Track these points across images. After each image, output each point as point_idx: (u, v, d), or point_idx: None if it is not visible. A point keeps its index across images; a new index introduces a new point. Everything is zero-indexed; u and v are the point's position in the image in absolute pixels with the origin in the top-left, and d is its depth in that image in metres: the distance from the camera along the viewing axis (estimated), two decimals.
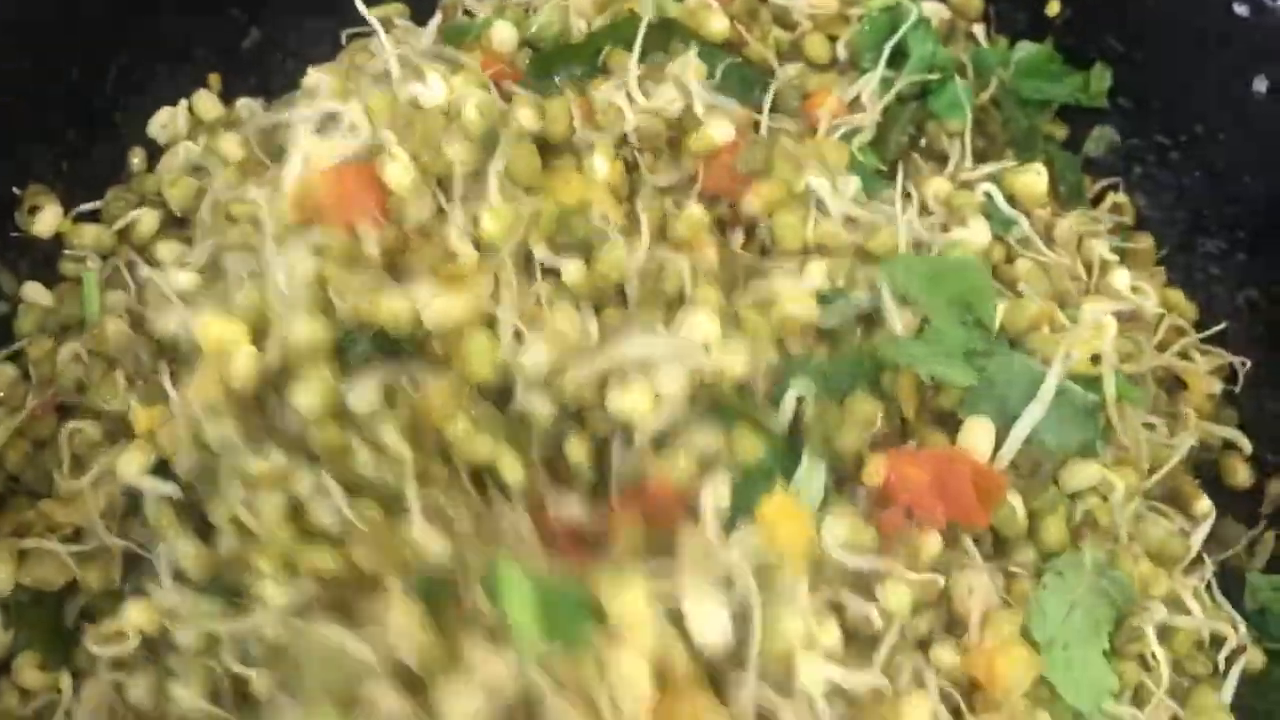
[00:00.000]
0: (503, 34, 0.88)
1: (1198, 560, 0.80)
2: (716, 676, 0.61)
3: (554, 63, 0.87)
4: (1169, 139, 0.93)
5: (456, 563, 0.62)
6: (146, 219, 0.88)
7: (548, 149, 0.77)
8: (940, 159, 0.91)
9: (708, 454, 0.66)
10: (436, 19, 0.95)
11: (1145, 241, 0.94)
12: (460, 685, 0.57)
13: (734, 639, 0.60)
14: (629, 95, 0.80)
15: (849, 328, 0.75)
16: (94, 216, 0.89)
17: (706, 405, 0.67)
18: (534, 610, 0.57)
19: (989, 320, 0.75)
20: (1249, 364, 0.88)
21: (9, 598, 0.75)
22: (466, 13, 0.97)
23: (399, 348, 0.67)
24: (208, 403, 0.65)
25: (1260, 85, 0.85)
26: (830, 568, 0.66)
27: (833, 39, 0.94)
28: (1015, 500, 0.70)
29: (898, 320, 0.74)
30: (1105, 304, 0.81)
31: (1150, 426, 0.82)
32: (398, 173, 0.71)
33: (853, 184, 0.81)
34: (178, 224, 0.89)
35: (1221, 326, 0.90)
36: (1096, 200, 0.97)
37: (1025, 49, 0.98)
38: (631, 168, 0.80)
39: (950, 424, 0.72)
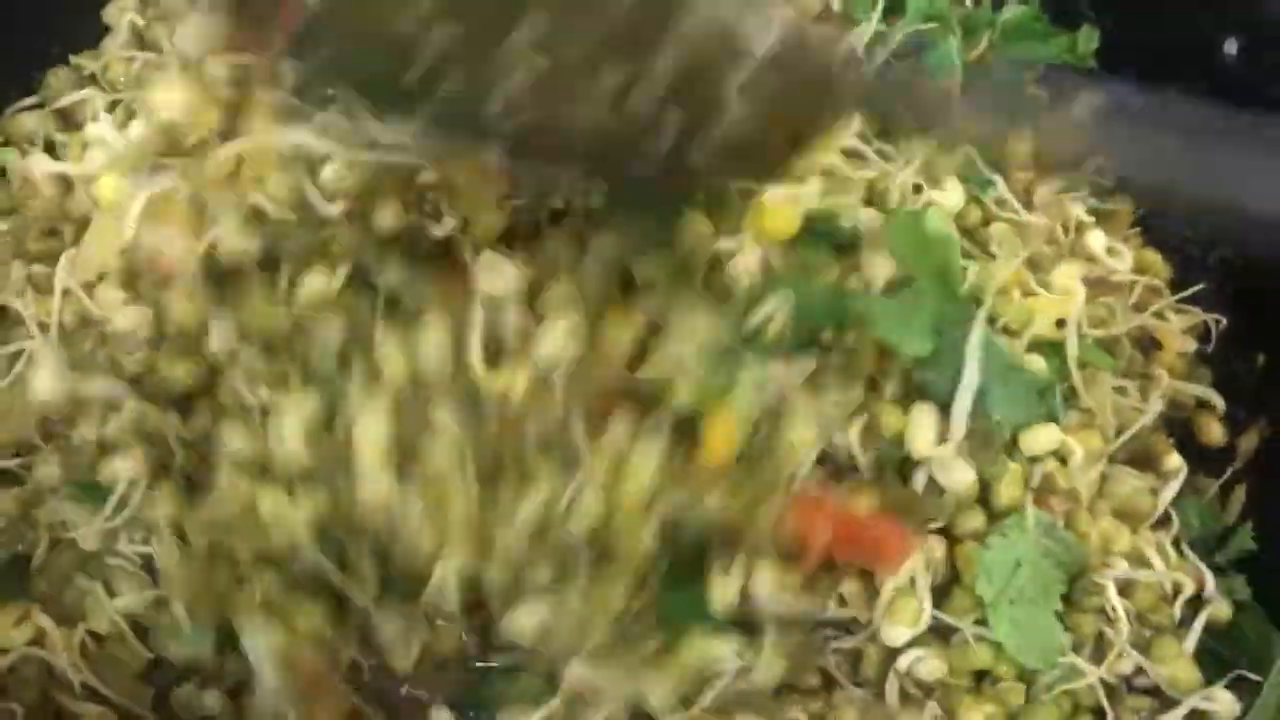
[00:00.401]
0: None
1: (1167, 517, 0.82)
2: None
3: None
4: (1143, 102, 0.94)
5: None
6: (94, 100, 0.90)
7: None
8: None
9: None
10: None
11: (1123, 204, 0.95)
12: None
13: None
14: None
15: (826, 259, 0.77)
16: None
17: None
18: None
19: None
20: (1223, 322, 0.90)
21: None
22: None
23: None
24: None
25: (1231, 48, 0.86)
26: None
27: None
28: (967, 471, 0.72)
29: (878, 270, 0.76)
30: (1075, 268, 0.82)
31: (1122, 391, 0.84)
32: None
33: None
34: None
35: (1199, 287, 0.91)
36: None
37: (1012, 9, 0.99)
38: None
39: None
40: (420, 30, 0.54)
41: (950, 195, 0.85)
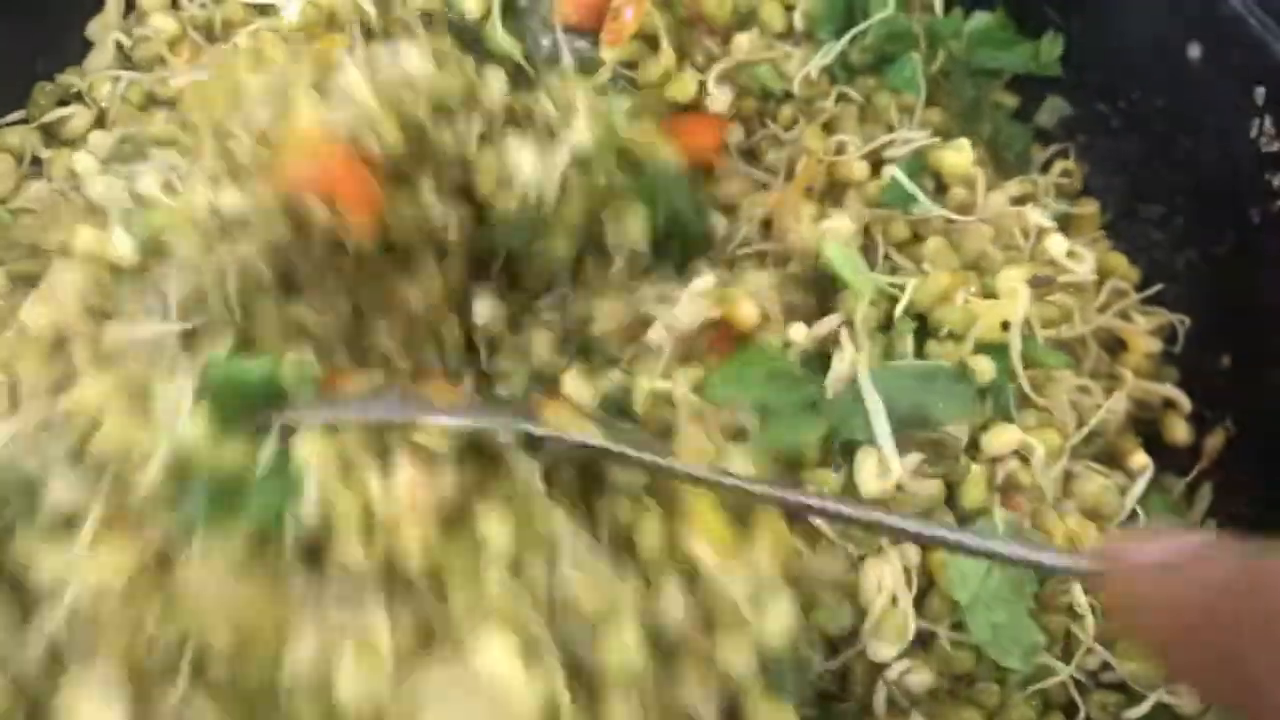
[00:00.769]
0: None
1: (1133, 516, 0.83)
2: None
3: None
4: (1109, 107, 0.96)
5: None
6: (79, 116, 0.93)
7: None
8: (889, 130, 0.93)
9: None
10: None
11: (1090, 207, 0.96)
12: None
13: None
14: None
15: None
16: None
17: None
18: None
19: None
20: (1188, 322, 0.91)
21: None
22: None
23: None
24: None
25: (1194, 52, 0.87)
26: None
27: (789, 8, 0.95)
28: (929, 484, 0.73)
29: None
30: (1020, 272, 0.82)
31: (1086, 391, 0.85)
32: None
33: None
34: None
35: (1161, 287, 0.92)
36: (1046, 167, 0.99)
37: (978, 18, 1.00)
38: None
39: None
40: None
41: (845, 220, 0.85)
